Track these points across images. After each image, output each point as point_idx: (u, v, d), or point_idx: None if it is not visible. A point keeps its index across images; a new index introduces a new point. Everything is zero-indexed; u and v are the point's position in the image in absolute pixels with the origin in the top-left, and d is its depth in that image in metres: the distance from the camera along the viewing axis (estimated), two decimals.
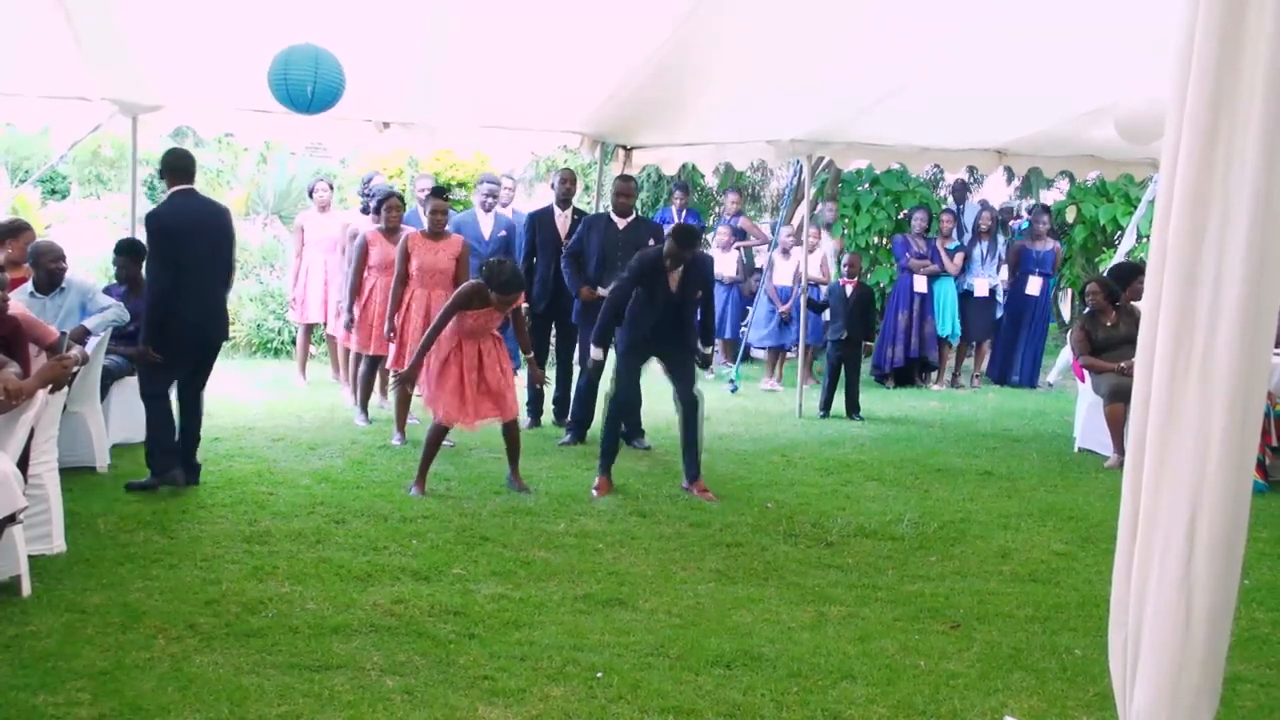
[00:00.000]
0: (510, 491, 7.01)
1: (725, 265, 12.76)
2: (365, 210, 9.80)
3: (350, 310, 9.02)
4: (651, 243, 8.86)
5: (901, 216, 14.43)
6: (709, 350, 7.95)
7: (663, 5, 6.73)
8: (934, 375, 12.82)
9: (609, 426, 7.35)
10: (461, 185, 14.90)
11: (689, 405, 7.35)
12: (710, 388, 11.72)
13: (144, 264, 7.03)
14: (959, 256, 12.62)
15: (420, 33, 7.27)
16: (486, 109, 9.38)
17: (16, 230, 7.64)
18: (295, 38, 6.66)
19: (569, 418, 8.98)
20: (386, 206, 9.04)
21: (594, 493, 7.07)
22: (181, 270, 6.66)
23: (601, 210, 10.12)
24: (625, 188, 9.01)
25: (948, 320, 12.59)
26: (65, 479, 5.78)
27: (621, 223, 8.82)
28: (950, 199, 14.24)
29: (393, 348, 8.37)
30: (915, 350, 12.58)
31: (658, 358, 7.52)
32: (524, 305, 7.43)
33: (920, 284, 12.51)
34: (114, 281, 8.31)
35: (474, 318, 6.96)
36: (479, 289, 6.90)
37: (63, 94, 8.74)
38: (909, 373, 12.76)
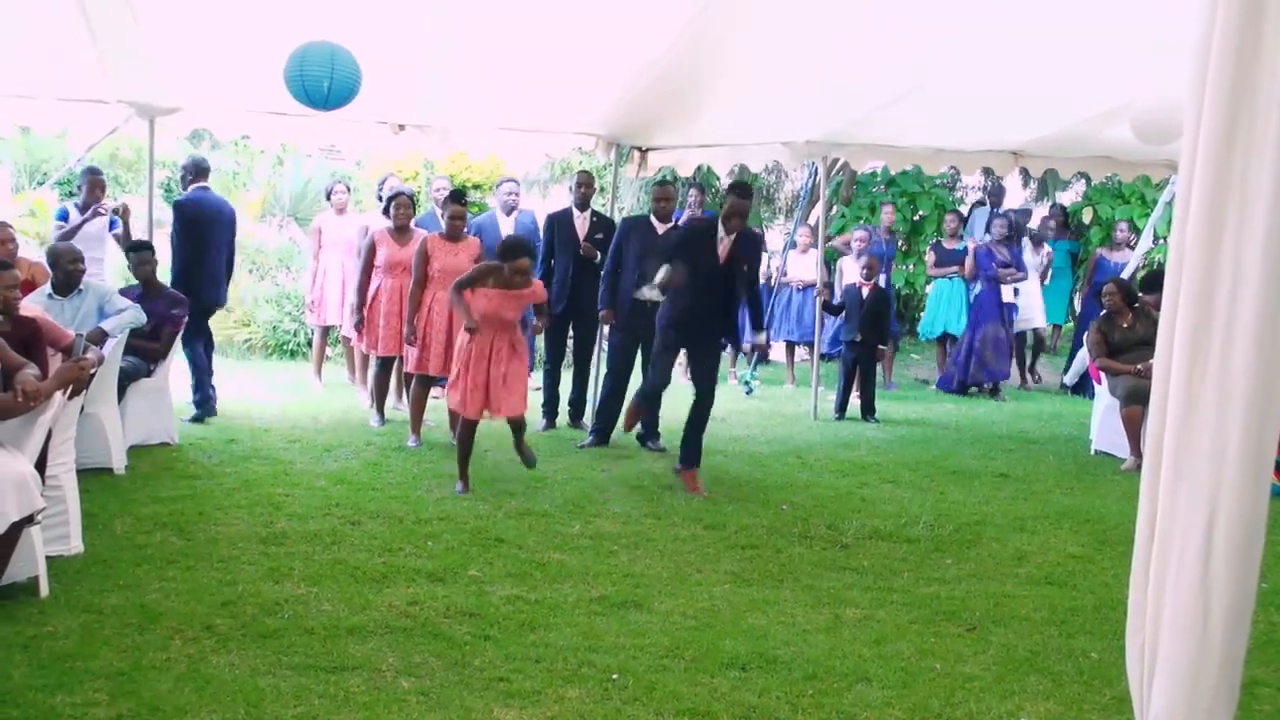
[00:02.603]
0: (525, 494, 7.01)
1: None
2: (386, 212, 9.80)
3: (360, 311, 9.03)
4: None
5: (916, 218, 14.41)
6: (762, 337, 8.09)
7: (676, 5, 6.72)
8: (1000, 386, 12.44)
9: (642, 402, 7.65)
10: (476, 187, 14.91)
11: (703, 394, 7.39)
12: (727, 390, 11.74)
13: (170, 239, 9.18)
14: (1044, 256, 12.37)
15: (434, 34, 7.27)
16: (501, 111, 9.39)
17: None
18: (311, 40, 6.68)
19: (591, 427, 8.96)
20: (396, 204, 9.05)
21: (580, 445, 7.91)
22: (194, 246, 8.91)
23: (624, 214, 10.13)
24: (665, 192, 9.01)
25: (961, 321, 12.54)
26: (82, 480, 5.80)
27: (661, 228, 8.82)
28: (988, 201, 14.13)
29: (412, 351, 8.33)
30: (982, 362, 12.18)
31: (686, 347, 7.53)
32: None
33: (1008, 293, 12.13)
34: (129, 283, 8.34)
35: (487, 298, 6.94)
36: (493, 267, 7.00)
37: (80, 97, 8.79)
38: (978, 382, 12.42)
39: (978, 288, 12.46)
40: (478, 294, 6.96)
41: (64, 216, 9.09)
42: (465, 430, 7.16)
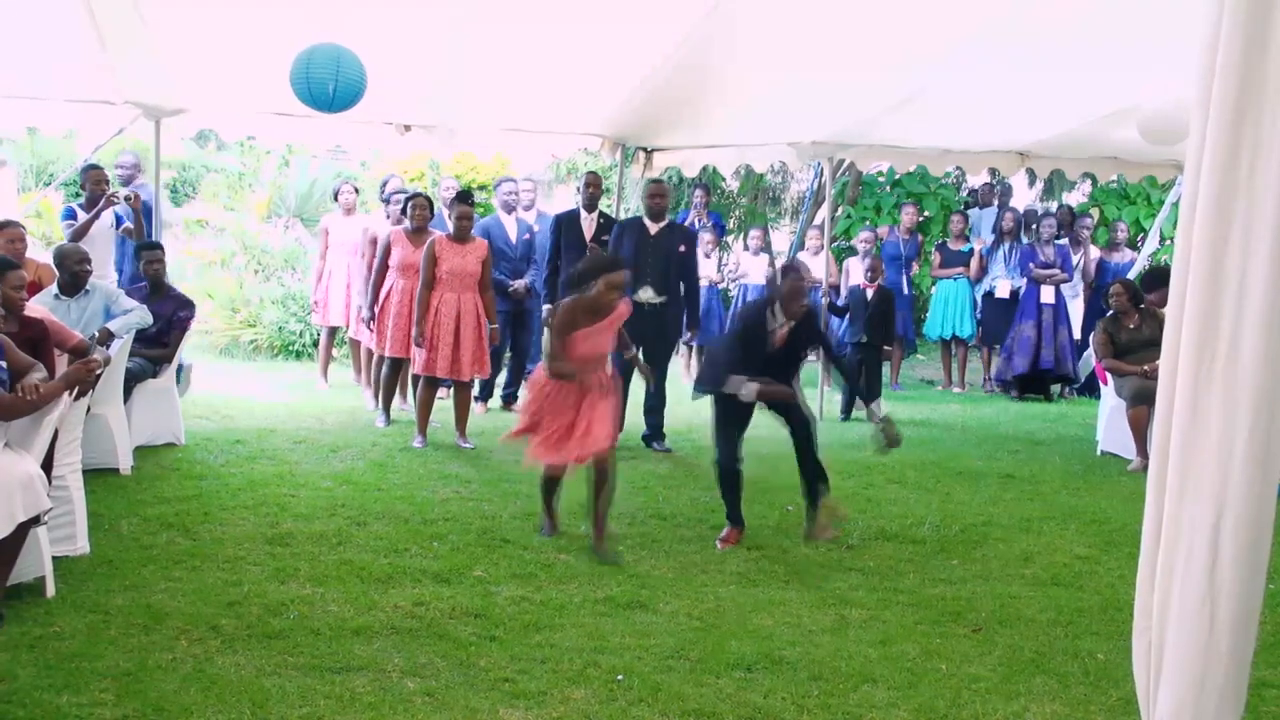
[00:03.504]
0: (531, 496, 6.99)
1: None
2: (400, 212, 9.78)
3: (371, 309, 9.04)
4: (683, 249, 8.83)
5: (922, 218, 14.37)
6: (875, 409, 7.14)
7: (682, 6, 6.72)
8: (1067, 388, 12.31)
9: (724, 491, 6.33)
10: (483, 188, 14.92)
11: (800, 430, 6.50)
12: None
13: None
14: (1091, 259, 12.27)
15: (441, 35, 7.28)
16: (507, 111, 9.40)
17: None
18: (317, 42, 6.69)
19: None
20: (413, 205, 9.01)
21: (718, 543, 6.16)
22: None
23: (629, 214, 10.11)
24: (659, 189, 8.91)
25: (966, 322, 12.53)
26: (88, 481, 5.81)
27: (654, 227, 8.73)
28: (995, 201, 14.08)
29: (420, 352, 8.32)
30: (1048, 361, 11.93)
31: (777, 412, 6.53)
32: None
33: (1047, 294, 11.94)
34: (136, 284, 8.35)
35: (585, 339, 5.92)
36: (575, 305, 5.96)
37: (87, 98, 8.81)
38: (1037, 383, 12.23)
39: (984, 287, 12.45)
40: (575, 341, 5.91)
41: (71, 216, 9.07)
42: (551, 482, 6.21)
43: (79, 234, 8.76)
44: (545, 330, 8.60)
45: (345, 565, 5.48)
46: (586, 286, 5.90)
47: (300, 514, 6.36)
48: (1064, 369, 12.01)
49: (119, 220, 9.13)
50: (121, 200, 9.05)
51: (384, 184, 11.25)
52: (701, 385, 6.58)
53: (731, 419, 6.38)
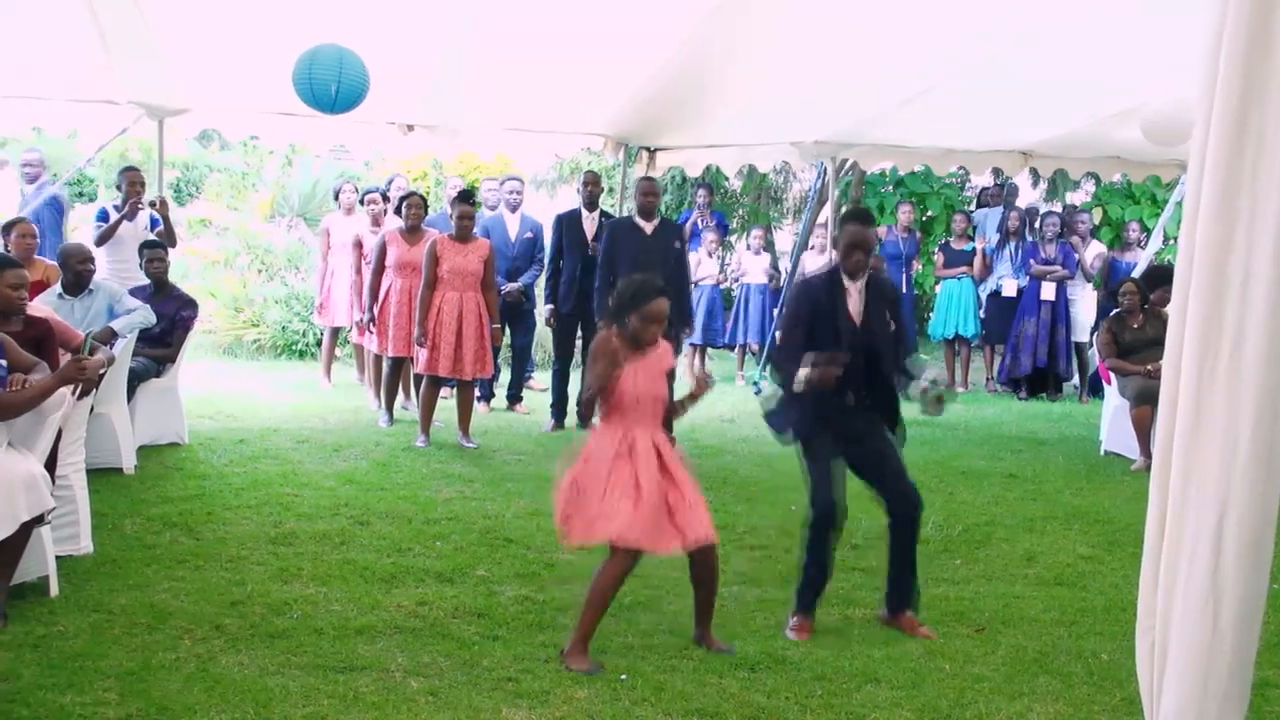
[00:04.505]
0: (534, 494, 6.99)
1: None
2: (398, 211, 9.79)
3: (371, 310, 9.04)
4: (678, 245, 8.78)
5: (926, 218, 14.37)
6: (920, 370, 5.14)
7: (685, 6, 6.73)
8: (1067, 386, 12.27)
9: (811, 553, 4.97)
10: None
11: (904, 512, 5.08)
12: (736, 391, 11.74)
13: None
14: (1095, 255, 12.20)
15: (443, 35, 7.29)
16: (510, 111, 9.41)
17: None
18: (319, 41, 6.70)
19: None
20: (407, 204, 9.04)
21: (789, 633, 4.86)
22: None
23: (624, 214, 10.09)
24: (649, 187, 8.85)
25: (970, 321, 12.51)
26: (92, 480, 5.81)
27: (648, 226, 8.65)
28: (989, 202, 14.06)
29: (422, 352, 8.32)
30: (1044, 360, 11.95)
31: (846, 447, 5.04)
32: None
33: (1048, 291, 11.92)
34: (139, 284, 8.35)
35: (631, 378, 4.53)
36: (617, 340, 4.54)
37: (90, 98, 8.83)
38: (1041, 382, 12.20)
39: (990, 287, 12.42)
40: (620, 380, 4.52)
41: (104, 217, 9.01)
42: (616, 575, 4.48)
43: (105, 236, 8.76)
44: (549, 329, 8.60)
45: (348, 565, 5.48)
46: (624, 321, 4.55)
47: (303, 513, 6.36)
48: (1058, 367, 12.03)
49: (154, 223, 9.09)
50: (145, 206, 9.03)
51: (389, 183, 11.26)
52: (778, 420, 5.20)
53: (823, 438, 5.01)
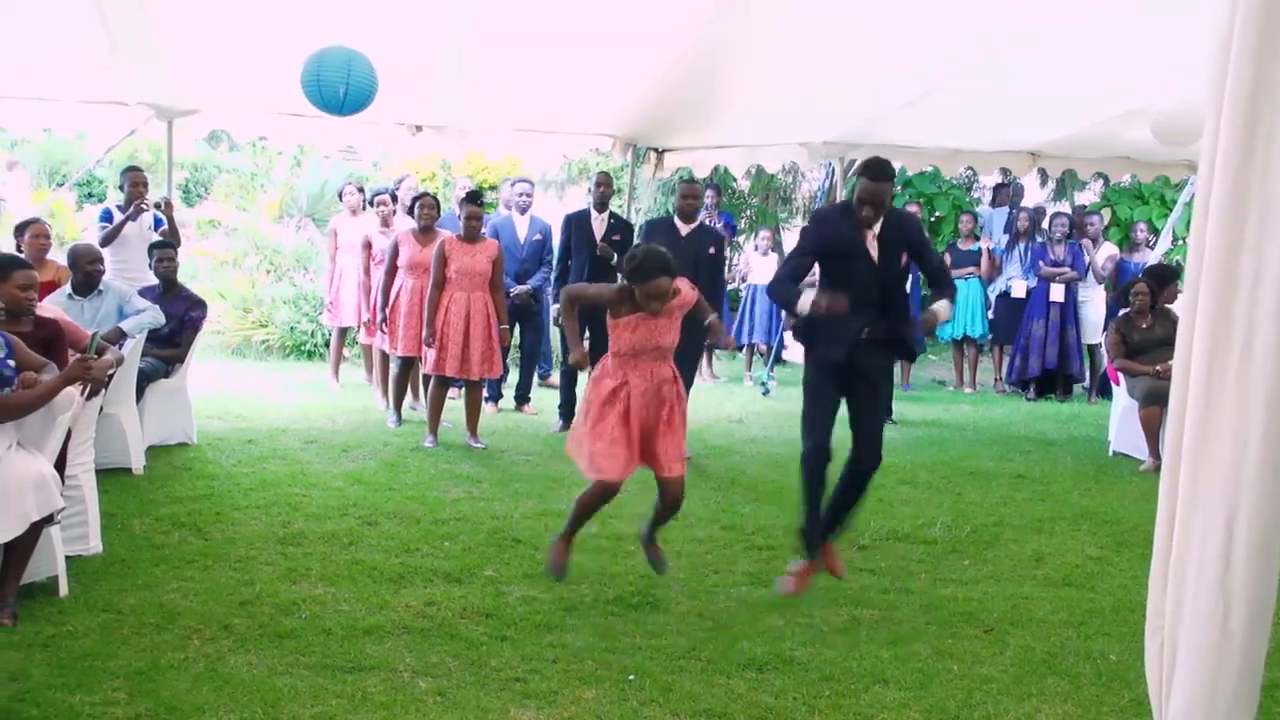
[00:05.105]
0: (542, 495, 7.00)
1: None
2: (410, 211, 9.79)
3: (384, 310, 9.05)
4: (712, 251, 8.66)
5: (934, 218, 14.34)
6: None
7: (693, 7, 6.73)
8: (1076, 387, 12.22)
9: (806, 492, 5.30)
10: (494, 188, 14.94)
11: (865, 468, 5.34)
12: (744, 391, 11.74)
13: None
14: (1106, 256, 12.13)
15: (451, 35, 7.30)
16: (518, 112, 9.41)
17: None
18: (328, 42, 6.71)
19: None
20: (420, 205, 9.06)
21: (781, 580, 5.30)
22: None
23: (641, 215, 10.10)
24: (691, 190, 8.57)
25: (978, 322, 12.49)
26: (101, 480, 5.83)
27: (685, 228, 8.40)
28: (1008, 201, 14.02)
29: (430, 352, 8.33)
30: (1053, 361, 11.93)
31: (848, 384, 5.25)
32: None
33: (1057, 292, 11.87)
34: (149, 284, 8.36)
35: (632, 328, 5.04)
36: (622, 291, 5.07)
37: (99, 99, 8.85)
38: (1052, 383, 12.20)
39: (999, 287, 12.39)
40: (619, 327, 5.07)
41: (107, 217, 9.00)
42: (596, 499, 5.26)
43: (110, 237, 8.76)
44: (558, 329, 8.57)
45: (357, 565, 5.49)
46: (637, 277, 4.92)
47: (312, 514, 6.37)
48: (1069, 368, 11.98)
49: (158, 223, 9.10)
50: (150, 207, 9.03)
51: (398, 183, 11.26)
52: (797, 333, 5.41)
53: (826, 382, 5.22)
